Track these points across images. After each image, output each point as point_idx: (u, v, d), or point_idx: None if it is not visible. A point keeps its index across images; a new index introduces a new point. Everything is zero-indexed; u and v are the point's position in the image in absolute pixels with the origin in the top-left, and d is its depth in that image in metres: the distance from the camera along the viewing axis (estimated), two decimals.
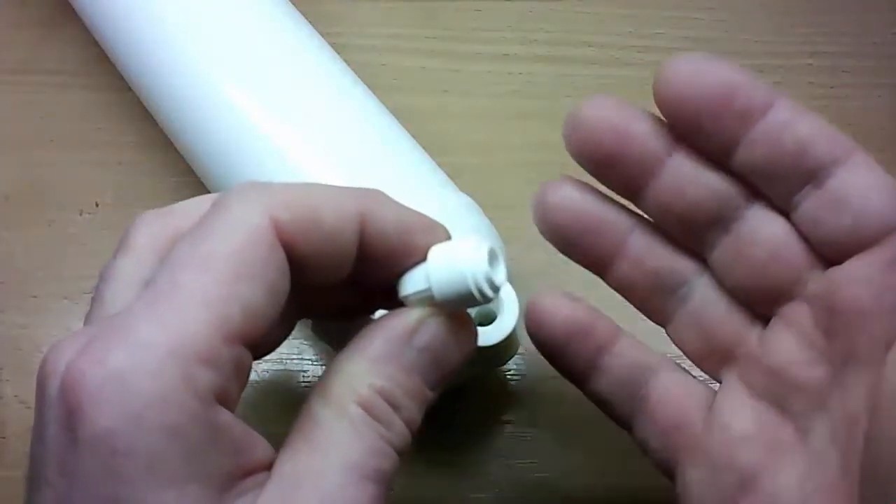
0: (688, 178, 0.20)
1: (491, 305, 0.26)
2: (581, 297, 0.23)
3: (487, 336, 0.25)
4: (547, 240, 0.23)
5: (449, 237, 0.20)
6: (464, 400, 0.31)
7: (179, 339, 0.16)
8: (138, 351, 0.16)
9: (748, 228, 0.21)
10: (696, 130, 0.20)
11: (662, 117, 0.20)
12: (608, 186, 0.22)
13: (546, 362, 0.32)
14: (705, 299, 0.22)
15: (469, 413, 0.31)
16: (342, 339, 0.25)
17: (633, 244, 0.22)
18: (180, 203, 0.20)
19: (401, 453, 0.19)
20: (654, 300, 0.23)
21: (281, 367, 0.32)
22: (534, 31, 0.38)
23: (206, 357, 0.16)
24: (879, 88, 0.37)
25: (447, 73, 0.37)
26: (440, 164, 0.29)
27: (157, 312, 0.16)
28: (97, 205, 0.35)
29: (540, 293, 0.23)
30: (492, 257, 0.19)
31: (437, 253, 0.19)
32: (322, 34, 0.32)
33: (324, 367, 0.32)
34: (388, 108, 0.30)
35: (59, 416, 0.16)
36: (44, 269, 0.34)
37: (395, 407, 0.19)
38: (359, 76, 0.31)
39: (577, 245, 0.22)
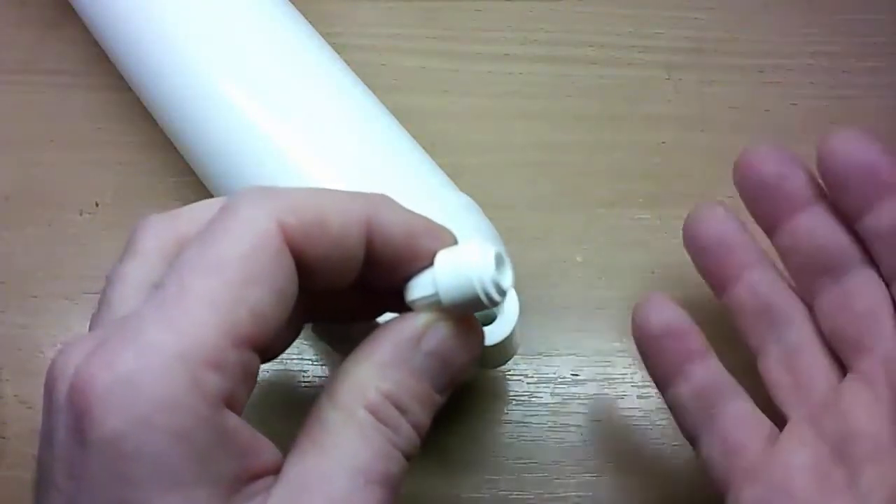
0: (822, 225, 0.24)
1: None
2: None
3: (487, 336, 0.25)
4: (687, 246, 0.26)
5: (455, 242, 0.20)
6: (464, 400, 0.31)
7: (188, 343, 0.16)
8: (147, 354, 0.16)
9: (854, 284, 0.23)
10: (841, 190, 0.23)
11: (815, 170, 0.23)
12: (755, 213, 0.25)
13: (543, 364, 0.32)
14: (801, 342, 0.24)
15: (469, 413, 0.31)
16: (342, 340, 0.25)
17: (756, 272, 0.25)
18: (187, 206, 0.20)
19: (409, 457, 0.19)
20: (757, 329, 0.25)
21: (281, 367, 0.32)
22: (534, 31, 0.38)
23: (215, 361, 0.16)
24: (879, 88, 0.37)
25: (447, 73, 0.37)
26: (440, 164, 0.29)
27: (166, 316, 0.16)
28: (97, 205, 0.35)
29: (647, 293, 0.26)
30: (498, 261, 0.19)
31: (443, 258, 0.19)
32: (322, 34, 0.32)
33: (324, 366, 0.32)
34: (388, 108, 0.30)
35: (68, 419, 0.16)
36: (44, 269, 0.34)
37: (402, 411, 0.19)
38: (359, 76, 0.31)
39: (710, 256, 0.26)
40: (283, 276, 0.18)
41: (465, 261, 0.19)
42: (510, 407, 0.31)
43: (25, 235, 0.34)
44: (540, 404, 0.31)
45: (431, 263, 0.19)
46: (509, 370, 0.32)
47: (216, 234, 0.17)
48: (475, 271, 0.18)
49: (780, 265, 0.25)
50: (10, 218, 0.34)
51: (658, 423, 0.31)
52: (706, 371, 0.25)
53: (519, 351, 0.28)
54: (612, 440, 0.31)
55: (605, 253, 0.34)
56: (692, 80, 0.37)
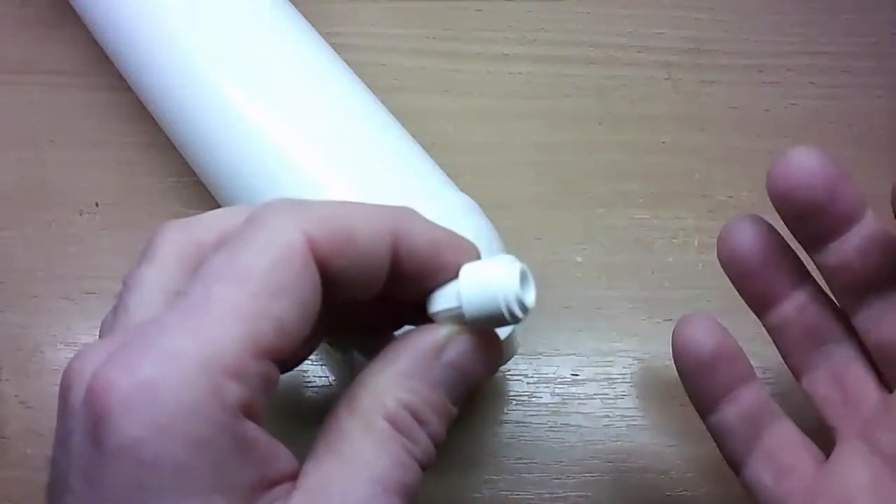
0: (875, 240, 0.22)
1: None
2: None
3: None
4: (724, 268, 0.24)
5: (479, 255, 0.20)
6: None
7: (210, 352, 0.16)
8: (168, 361, 0.16)
9: None
10: None
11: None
12: (796, 233, 0.23)
13: (543, 364, 0.32)
14: (848, 358, 0.24)
15: (469, 413, 0.31)
16: (343, 343, 0.25)
17: (801, 292, 0.24)
18: (204, 214, 0.20)
19: (425, 468, 0.19)
20: (802, 348, 0.24)
21: None
22: (534, 31, 0.38)
23: (236, 371, 0.16)
24: (879, 88, 0.37)
25: (447, 73, 0.37)
26: (440, 164, 0.29)
27: (189, 324, 0.16)
28: (97, 205, 0.35)
29: (691, 314, 0.24)
30: (523, 278, 0.19)
31: (468, 272, 0.19)
32: (322, 34, 0.32)
33: (324, 366, 0.32)
34: (388, 108, 0.30)
35: (85, 424, 0.16)
36: (44, 269, 0.34)
37: (421, 422, 0.19)
38: (359, 76, 0.31)
39: (752, 278, 0.24)
40: (308, 289, 0.18)
41: (491, 276, 0.19)
42: (510, 407, 0.31)
43: (25, 235, 0.34)
44: (540, 404, 0.31)
45: (456, 276, 0.19)
46: (509, 370, 0.32)
47: (242, 244, 0.17)
48: (500, 287, 0.18)
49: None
50: (10, 218, 0.34)
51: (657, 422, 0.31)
52: (754, 395, 0.24)
53: (519, 351, 0.28)
54: (612, 440, 0.31)
55: (605, 253, 0.34)
56: (692, 80, 0.37)
